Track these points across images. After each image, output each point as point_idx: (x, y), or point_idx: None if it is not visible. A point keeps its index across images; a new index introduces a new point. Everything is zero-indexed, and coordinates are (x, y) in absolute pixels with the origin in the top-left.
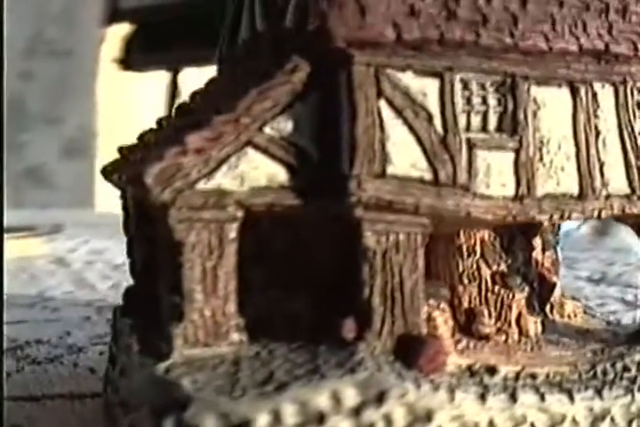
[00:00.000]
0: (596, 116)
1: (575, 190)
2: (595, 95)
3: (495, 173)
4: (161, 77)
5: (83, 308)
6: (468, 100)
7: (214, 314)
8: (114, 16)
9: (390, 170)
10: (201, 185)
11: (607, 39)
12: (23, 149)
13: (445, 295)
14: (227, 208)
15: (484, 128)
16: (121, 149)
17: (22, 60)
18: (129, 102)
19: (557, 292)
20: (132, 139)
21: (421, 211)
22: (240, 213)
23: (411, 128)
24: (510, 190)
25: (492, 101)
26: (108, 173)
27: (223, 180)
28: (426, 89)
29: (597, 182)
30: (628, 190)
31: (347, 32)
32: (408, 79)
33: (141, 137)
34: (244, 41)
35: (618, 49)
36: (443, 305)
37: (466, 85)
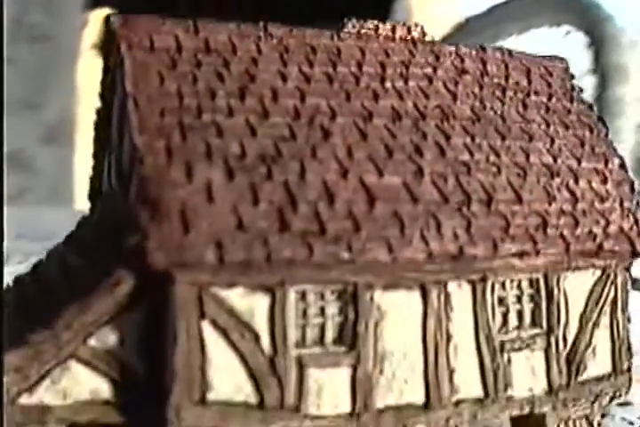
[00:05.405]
0: (448, 319)
1: (420, 400)
2: (448, 296)
3: (328, 394)
4: None
5: None
6: (304, 313)
7: None
8: (96, 0)
9: (211, 396)
10: (22, 400)
11: (463, 240)
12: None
13: None
14: (48, 425)
15: (320, 341)
16: None
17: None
18: None
19: None
20: None
21: None
22: None
23: (236, 350)
24: (345, 408)
25: (331, 310)
26: None
27: (45, 395)
28: (254, 307)
29: (445, 390)
30: (481, 394)
31: (166, 254)
32: (235, 297)
33: None
34: (110, 185)
35: (474, 251)
36: None
37: (303, 296)
